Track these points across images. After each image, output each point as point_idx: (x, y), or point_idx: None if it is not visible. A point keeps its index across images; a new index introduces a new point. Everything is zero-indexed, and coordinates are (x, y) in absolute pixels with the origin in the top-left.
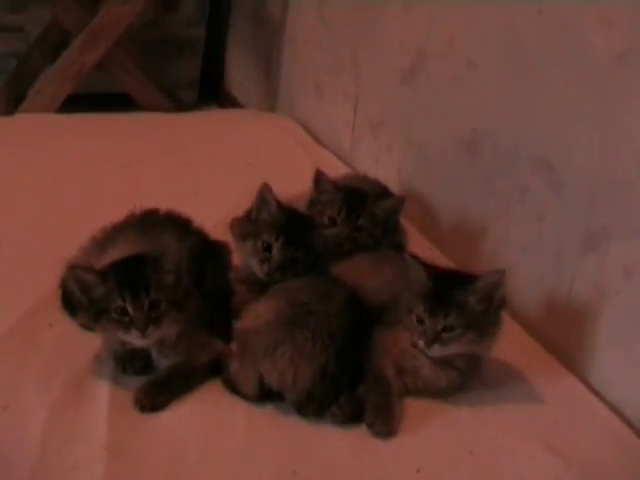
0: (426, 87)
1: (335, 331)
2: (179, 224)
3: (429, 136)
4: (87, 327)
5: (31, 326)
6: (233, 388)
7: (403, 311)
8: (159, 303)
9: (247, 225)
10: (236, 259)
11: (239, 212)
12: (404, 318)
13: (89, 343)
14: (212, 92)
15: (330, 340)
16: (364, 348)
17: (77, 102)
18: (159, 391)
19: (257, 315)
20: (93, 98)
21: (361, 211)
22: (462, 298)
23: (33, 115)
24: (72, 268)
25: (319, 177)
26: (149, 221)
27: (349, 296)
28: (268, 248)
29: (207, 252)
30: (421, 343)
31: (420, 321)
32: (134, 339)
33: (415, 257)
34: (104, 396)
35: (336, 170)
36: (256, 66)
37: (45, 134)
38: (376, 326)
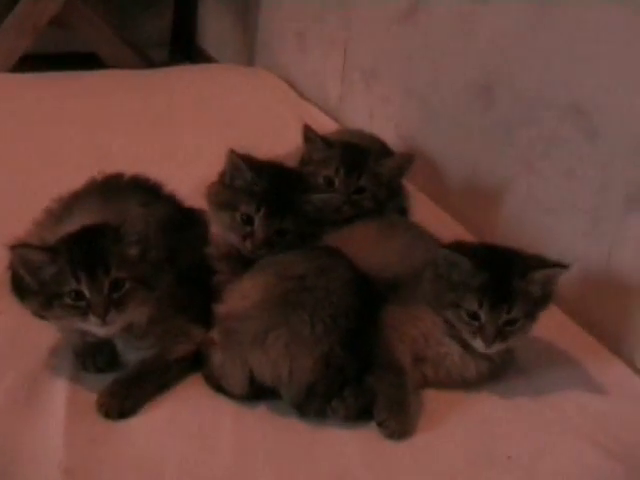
0: (428, 27)
1: (338, 311)
2: (147, 190)
3: (432, 84)
4: (39, 315)
5: None
6: (217, 385)
7: (437, 303)
8: (122, 282)
9: (223, 192)
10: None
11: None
12: (445, 312)
13: (44, 334)
14: (183, 50)
15: (333, 322)
16: (373, 331)
17: (39, 63)
18: (127, 392)
19: (242, 295)
20: (57, 59)
21: (362, 169)
22: (522, 287)
23: None
24: (15, 247)
25: (308, 132)
26: (112, 187)
27: (352, 269)
28: (249, 221)
29: (180, 222)
30: (477, 342)
31: (474, 317)
32: (93, 327)
33: (451, 246)
34: (60, 399)
35: (324, 126)
36: (231, 18)
37: None
38: (387, 305)
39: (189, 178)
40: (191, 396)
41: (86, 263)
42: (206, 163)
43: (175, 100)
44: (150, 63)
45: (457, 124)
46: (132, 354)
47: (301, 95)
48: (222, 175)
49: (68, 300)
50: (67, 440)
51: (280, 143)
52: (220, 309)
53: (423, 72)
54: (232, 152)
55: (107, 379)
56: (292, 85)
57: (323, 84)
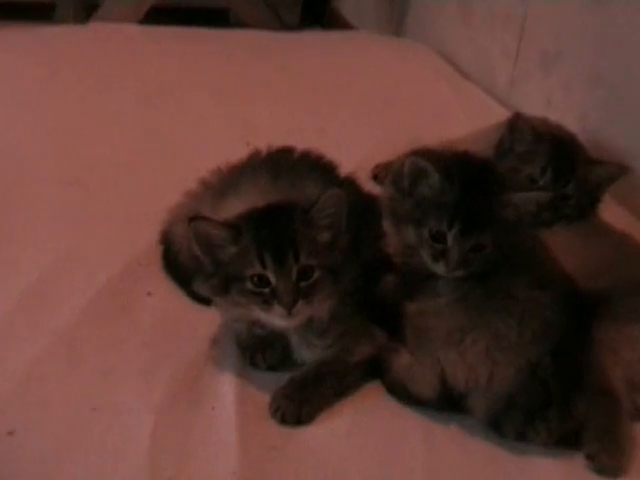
0: (627, 9)
1: (549, 324)
2: (323, 169)
3: (627, 72)
4: (203, 299)
5: (124, 295)
6: (402, 391)
7: None
8: (311, 270)
9: (402, 202)
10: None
11: (380, 157)
12: None
13: (202, 319)
14: (315, 12)
15: (543, 332)
16: (584, 350)
17: (163, 17)
18: (305, 396)
19: (436, 293)
20: (182, 14)
21: (571, 175)
22: None
23: (111, 25)
24: (193, 220)
25: (518, 122)
26: (282, 163)
27: (565, 281)
28: (439, 238)
29: (362, 209)
30: None
31: None
32: (276, 318)
33: None
34: (229, 400)
35: (491, 112)
36: None
37: (125, 48)
38: (599, 322)
39: (348, 159)
40: (371, 406)
41: (274, 246)
42: (365, 143)
43: (321, 69)
44: (283, 24)
45: None
46: (307, 352)
47: (462, 74)
48: (398, 179)
49: (249, 285)
50: (242, 447)
51: (444, 127)
52: (410, 307)
53: (616, 59)
54: (415, 157)
55: (278, 378)
56: (451, 63)
57: (490, 64)
